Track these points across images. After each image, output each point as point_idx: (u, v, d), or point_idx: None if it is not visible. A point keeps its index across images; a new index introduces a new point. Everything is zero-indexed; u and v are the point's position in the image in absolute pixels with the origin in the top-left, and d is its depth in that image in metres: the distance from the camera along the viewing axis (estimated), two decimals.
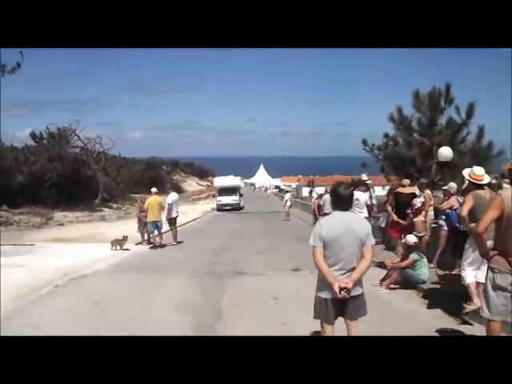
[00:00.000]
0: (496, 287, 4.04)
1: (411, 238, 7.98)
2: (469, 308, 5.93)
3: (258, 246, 13.87)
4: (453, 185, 8.80)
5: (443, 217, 8.77)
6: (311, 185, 51.89)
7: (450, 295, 6.85)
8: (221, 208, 33.51)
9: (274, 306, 7.07)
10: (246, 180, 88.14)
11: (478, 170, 6.14)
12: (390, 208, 9.32)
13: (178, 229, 15.07)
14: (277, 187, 68.65)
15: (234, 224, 22.39)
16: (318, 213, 15.67)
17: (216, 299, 7.56)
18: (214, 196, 36.96)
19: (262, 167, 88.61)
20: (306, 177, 61.97)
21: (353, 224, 4.00)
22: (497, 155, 13.26)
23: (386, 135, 15.20)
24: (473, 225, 5.27)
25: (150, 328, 5.74)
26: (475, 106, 13.30)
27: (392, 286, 7.92)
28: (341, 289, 3.74)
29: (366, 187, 13.05)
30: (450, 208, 8.70)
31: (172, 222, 14.53)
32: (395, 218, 9.13)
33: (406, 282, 7.89)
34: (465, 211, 5.72)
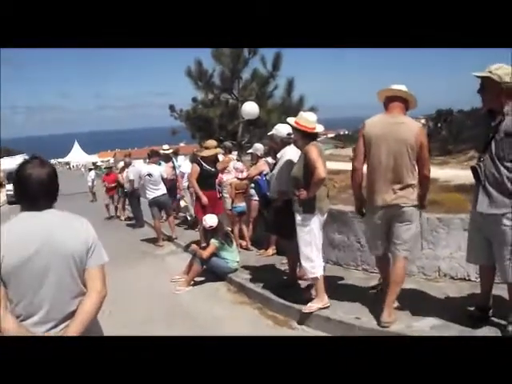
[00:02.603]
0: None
1: (208, 220, 6.22)
2: (312, 307, 4.44)
3: None
4: (259, 146, 7.31)
5: (252, 185, 7.29)
6: (128, 157, 48.21)
7: (273, 287, 5.31)
8: (13, 199, 25.42)
9: None
10: (59, 159, 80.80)
11: (310, 116, 4.54)
12: (193, 180, 7.37)
13: None
14: (94, 164, 63.44)
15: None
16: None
17: None
18: (0, 184, 27.97)
19: (76, 144, 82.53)
20: (124, 150, 58.31)
21: (58, 233, 2.12)
22: (309, 111, 11.81)
23: (194, 99, 13.25)
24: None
25: None
26: (282, 56, 11.94)
27: (197, 278, 6.16)
28: None
29: (164, 157, 11.12)
30: (260, 174, 7.23)
31: None
32: (198, 191, 7.28)
33: (214, 272, 6.21)
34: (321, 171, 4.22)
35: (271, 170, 5.43)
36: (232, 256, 6.13)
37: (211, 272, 6.20)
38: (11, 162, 28.86)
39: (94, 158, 71.32)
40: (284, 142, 5.09)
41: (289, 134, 5.02)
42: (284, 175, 4.88)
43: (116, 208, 13.86)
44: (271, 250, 6.87)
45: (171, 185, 10.90)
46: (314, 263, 4.40)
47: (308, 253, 4.40)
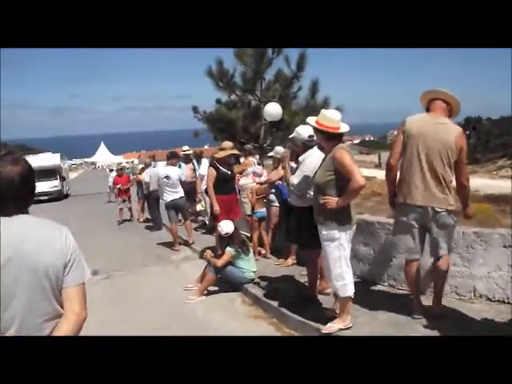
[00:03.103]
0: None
1: (224, 226, 5.84)
2: (333, 328, 4.02)
3: None
4: (279, 149, 6.93)
5: (273, 190, 6.91)
6: (153, 159, 48.43)
7: (291, 301, 4.91)
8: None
9: None
10: (86, 159, 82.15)
11: (333, 114, 4.05)
12: (210, 184, 6.97)
13: None
14: (119, 165, 64.13)
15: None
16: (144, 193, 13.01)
17: None
18: None
19: (102, 145, 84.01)
20: (148, 151, 58.69)
21: (29, 243, 1.79)
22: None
23: (218, 100, 12.93)
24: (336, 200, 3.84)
25: None
26: (307, 56, 11.44)
27: (211, 288, 5.80)
28: None
29: (184, 159, 10.84)
30: (281, 178, 6.85)
31: None
32: (212, 197, 6.91)
33: (229, 282, 5.84)
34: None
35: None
36: (248, 265, 5.75)
37: (226, 281, 5.83)
38: (34, 160, 27.22)
39: (120, 158, 72.29)
40: (306, 145, 4.68)
41: (310, 137, 4.62)
42: (304, 181, 4.49)
43: (130, 210, 13.26)
44: (291, 260, 6.47)
45: (190, 187, 10.66)
46: (345, 281, 3.95)
47: (338, 270, 3.94)
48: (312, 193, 4.24)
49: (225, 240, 5.77)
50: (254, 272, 5.80)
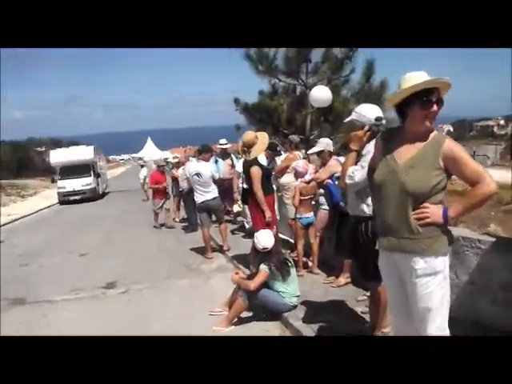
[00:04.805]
0: None
1: (262, 238, 4.56)
2: None
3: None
4: (326, 141, 5.63)
5: (321, 191, 5.64)
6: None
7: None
8: (65, 199, 21.24)
9: None
10: (133, 155, 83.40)
11: (419, 75, 2.38)
12: (258, 185, 5.61)
13: None
14: (165, 160, 64.69)
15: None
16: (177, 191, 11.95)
17: None
18: (53, 181, 23.25)
19: (149, 140, 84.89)
20: (195, 147, 58.49)
21: None
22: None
23: (261, 92, 11.65)
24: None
25: None
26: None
27: (244, 314, 4.61)
28: None
29: (222, 154, 9.79)
30: (331, 177, 5.57)
31: None
32: (262, 202, 5.59)
33: (264, 308, 4.60)
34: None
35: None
36: (290, 288, 4.49)
37: (261, 307, 4.60)
38: (64, 154, 23.27)
39: (167, 154, 72.88)
40: (372, 132, 3.33)
41: (378, 119, 3.30)
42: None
43: (168, 211, 11.72)
44: (343, 279, 5.18)
45: (229, 185, 9.56)
46: (445, 332, 2.53)
47: (440, 318, 2.49)
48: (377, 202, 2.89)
49: (261, 255, 4.52)
50: (297, 297, 4.53)
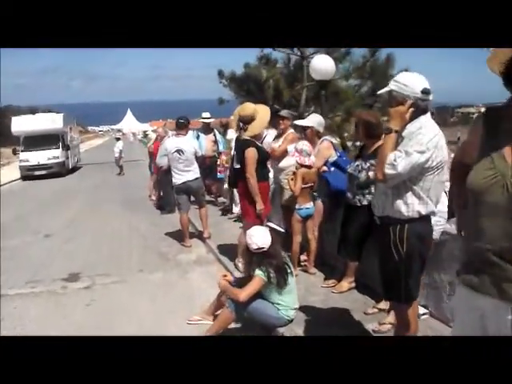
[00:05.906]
0: None
1: (256, 237, 3.59)
2: None
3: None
4: (318, 119, 4.86)
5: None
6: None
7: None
8: (28, 174, 18.74)
9: None
10: (112, 126, 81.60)
11: None
12: (253, 172, 4.69)
13: None
14: (144, 132, 63.70)
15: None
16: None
17: None
18: (14, 152, 20.46)
19: (129, 112, 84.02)
20: (174, 120, 57.23)
21: None
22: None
23: (247, 65, 10.61)
24: None
25: None
26: None
27: (232, 326, 3.77)
28: None
29: (204, 128, 8.91)
30: (325, 163, 4.76)
31: None
32: (256, 187, 4.67)
33: (255, 321, 3.74)
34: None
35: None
36: (287, 299, 3.60)
37: (250, 319, 3.73)
38: (27, 122, 19.99)
39: (146, 126, 71.44)
40: (416, 108, 2.45)
41: (425, 92, 2.45)
42: (413, 169, 2.38)
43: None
44: (347, 284, 4.36)
45: (211, 163, 8.69)
46: None
47: None
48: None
49: (255, 257, 3.62)
50: (295, 310, 3.67)
